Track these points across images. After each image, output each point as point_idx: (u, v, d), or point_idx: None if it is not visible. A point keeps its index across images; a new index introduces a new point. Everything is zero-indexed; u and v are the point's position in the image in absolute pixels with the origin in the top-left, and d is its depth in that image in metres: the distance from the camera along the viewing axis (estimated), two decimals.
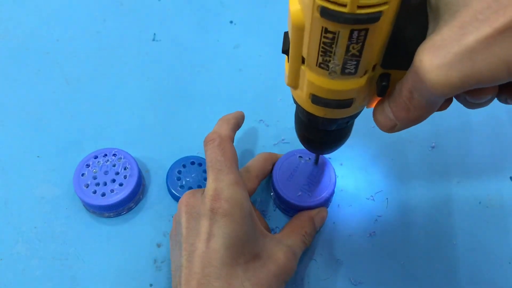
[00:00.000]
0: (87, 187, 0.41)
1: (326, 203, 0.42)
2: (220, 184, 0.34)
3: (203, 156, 0.45)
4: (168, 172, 0.44)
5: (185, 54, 0.52)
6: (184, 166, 0.44)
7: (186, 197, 0.36)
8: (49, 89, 0.50)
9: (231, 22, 0.54)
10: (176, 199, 0.43)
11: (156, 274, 0.40)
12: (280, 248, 0.36)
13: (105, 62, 0.51)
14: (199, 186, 0.43)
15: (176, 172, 0.44)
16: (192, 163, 0.44)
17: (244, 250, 0.33)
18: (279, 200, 0.42)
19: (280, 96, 0.49)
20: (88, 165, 0.42)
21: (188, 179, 0.43)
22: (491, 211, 0.43)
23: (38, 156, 0.46)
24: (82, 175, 0.42)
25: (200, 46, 0.53)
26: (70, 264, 0.40)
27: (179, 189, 0.43)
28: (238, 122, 0.41)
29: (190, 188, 0.43)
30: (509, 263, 0.41)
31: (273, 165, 0.42)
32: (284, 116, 0.48)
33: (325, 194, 0.41)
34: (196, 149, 0.46)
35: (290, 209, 0.42)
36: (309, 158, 0.42)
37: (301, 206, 0.41)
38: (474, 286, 0.40)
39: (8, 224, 0.42)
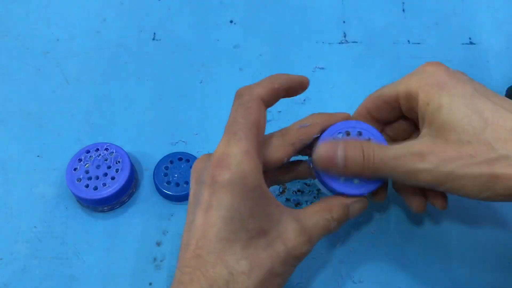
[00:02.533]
0: (79, 181, 0.42)
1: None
2: (228, 149, 0.30)
3: (199, 155, 0.45)
4: (155, 169, 0.44)
5: (185, 53, 0.52)
6: (171, 162, 0.44)
7: (196, 162, 0.34)
8: (49, 89, 0.50)
9: (231, 22, 0.54)
10: (164, 195, 0.43)
11: (156, 273, 0.40)
12: (293, 228, 0.31)
13: (105, 62, 0.51)
14: (186, 183, 0.43)
15: (163, 168, 0.44)
16: (180, 159, 0.44)
17: (247, 225, 0.30)
18: (319, 179, 0.35)
19: None
20: (80, 160, 0.43)
21: (175, 175, 0.43)
22: (491, 211, 0.43)
23: (38, 156, 0.46)
24: (75, 169, 0.42)
25: (200, 46, 0.53)
26: (70, 264, 0.41)
27: (166, 185, 0.43)
28: (287, 86, 0.34)
29: (177, 184, 0.43)
30: (509, 263, 0.41)
31: (321, 132, 0.35)
32: (283, 115, 0.48)
33: (375, 183, 0.34)
34: (196, 149, 0.46)
35: (329, 191, 0.36)
36: (360, 132, 0.34)
37: (343, 194, 0.34)
38: (474, 285, 0.40)
39: (8, 224, 0.42)
